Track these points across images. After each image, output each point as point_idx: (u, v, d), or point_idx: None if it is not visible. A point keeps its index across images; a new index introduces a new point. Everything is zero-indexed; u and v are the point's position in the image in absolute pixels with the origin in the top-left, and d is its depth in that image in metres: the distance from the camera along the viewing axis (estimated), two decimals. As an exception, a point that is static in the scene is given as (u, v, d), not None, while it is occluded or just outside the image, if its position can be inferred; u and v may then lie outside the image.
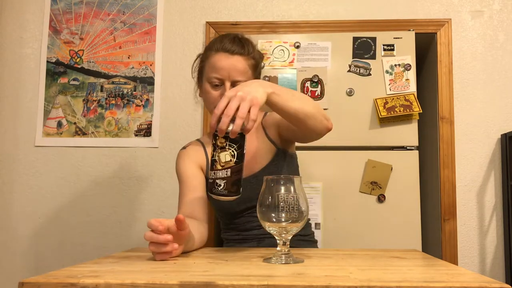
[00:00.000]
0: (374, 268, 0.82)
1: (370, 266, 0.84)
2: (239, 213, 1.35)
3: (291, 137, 1.36)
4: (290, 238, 0.92)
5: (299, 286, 0.66)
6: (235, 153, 0.95)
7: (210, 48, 1.35)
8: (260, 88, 1.02)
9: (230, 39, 1.33)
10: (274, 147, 1.38)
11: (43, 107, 2.35)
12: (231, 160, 0.95)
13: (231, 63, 1.30)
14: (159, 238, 0.91)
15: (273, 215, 0.89)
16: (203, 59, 1.38)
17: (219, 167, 0.95)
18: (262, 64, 1.43)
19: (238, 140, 0.95)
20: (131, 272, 0.76)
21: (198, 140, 1.47)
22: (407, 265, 0.88)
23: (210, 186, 0.97)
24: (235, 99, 0.96)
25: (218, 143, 0.95)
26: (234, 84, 1.30)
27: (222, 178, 0.95)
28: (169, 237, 0.91)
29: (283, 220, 0.89)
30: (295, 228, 0.90)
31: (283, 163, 1.38)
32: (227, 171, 0.95)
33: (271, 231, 0.91)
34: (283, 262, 0.88)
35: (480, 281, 0.68)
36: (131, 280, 0.68)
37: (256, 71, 1.37)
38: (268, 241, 1.30)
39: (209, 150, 0.98)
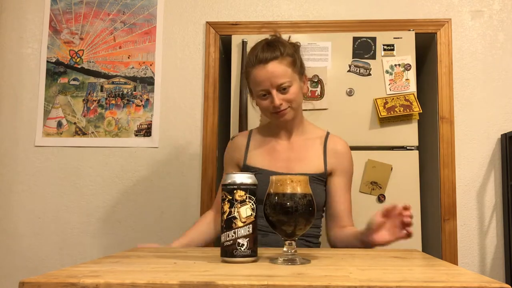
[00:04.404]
0: (374, 268, 0.82)
1: (370, 266, 0.84)
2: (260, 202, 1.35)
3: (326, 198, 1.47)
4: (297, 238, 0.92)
5: (299, 286, 0.66)
6: (254, 206, 0.89)
7: (248, 65, 1.42)
8: None
9: (261, 48, 1.38)
10: (323, 168, 1.44)
11: (43, 107, 2.35)
12: (251, 214, 0.88)
13: (268, 72, 1.35)
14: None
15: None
16: (247, 77, 1.44)
17: (241, 224, 0.87)
18: (301, 53, 1.47)
19: (255, 192, 0.90)
20: (131, 272, 0.76)
21: (250, 130, 1.58)
22: (407, 265, 0.88)
23: (228, 249, 0.88)
24: None
25: (237, 197, 0.88)
26: (279, 88, 1.36)
27: (245, 236, 0.88)
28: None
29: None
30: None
31: (319, 185, 1.43)
32: (249, 228, 0.88)
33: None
34: (289, 264, 0.87)
35: (480, 281, 0.68)
36: (131, 280, 0.68)
37: (295, 66, 1.40)
38: (272, 236, 1.29)
39: (225, 205, 0.89)
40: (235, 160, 1.51)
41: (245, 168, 1.47)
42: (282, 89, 1.37)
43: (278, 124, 1.47)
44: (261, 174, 1.38)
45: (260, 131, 1.56)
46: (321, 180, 1.44)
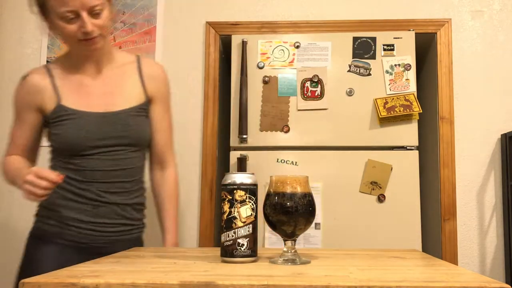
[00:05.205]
0: (374, 268, 0.82)
1: (370, 266, 0.84)
2: (88, 151, 1.26)
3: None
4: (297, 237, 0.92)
5: (299, 286, 0.66)
6: (254, 206, 0.90)
7: None
8: None
9: None
10: (144, 96, 1.34)
11: (43, 107, 2.34)
12: (251, 214, 0.89)
13: None
14: (41, 184, 1.08)
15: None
16: None
17: (241, 224, 0.88)
18: None
19: (255, 192, 0.90)
20: (131, 272, 0.76)
21: (45, 66, 1.35)
22: (407, 265, 0.88)
23: (228, 249, 0.88)
24: None
25: (237, 197, 0.88)
26: (91, 11, 1.17)
27: (245, 236, 0.88)
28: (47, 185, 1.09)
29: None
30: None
31: (145, 117, 1.34)
32: (249, 228, 0.88)
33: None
34: (289, 264, 0.87)
35: (480, 281, 0.68)
36: (131, 280, 0.68)
37: None
38: (103, 209, 1.27)
39: (225, 205, 0.89)
40: (36, 104, 1.32)
41: (58, 110, 1.27)
42: (95, 14, 1.18)
43: (86, 54, 1.27)
44: (79, 116, 1.26)
45: (61, 65, 1.33)
46: (144, 110, 1.34)
